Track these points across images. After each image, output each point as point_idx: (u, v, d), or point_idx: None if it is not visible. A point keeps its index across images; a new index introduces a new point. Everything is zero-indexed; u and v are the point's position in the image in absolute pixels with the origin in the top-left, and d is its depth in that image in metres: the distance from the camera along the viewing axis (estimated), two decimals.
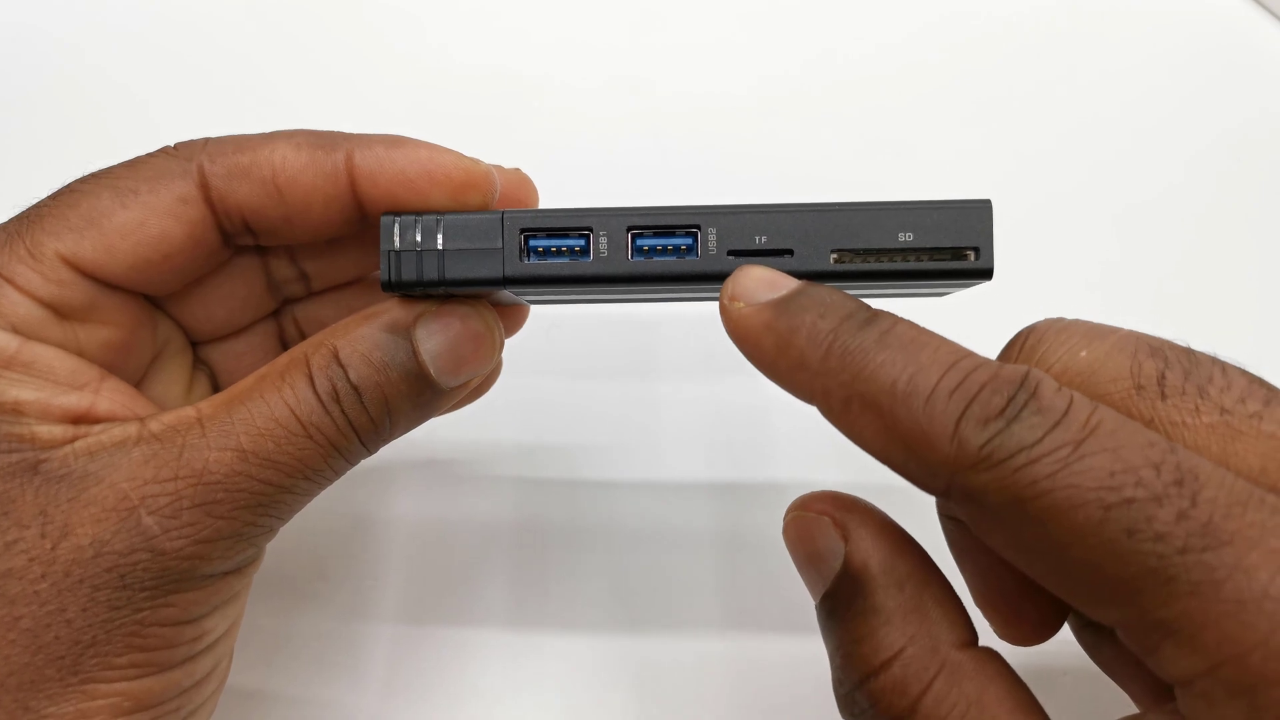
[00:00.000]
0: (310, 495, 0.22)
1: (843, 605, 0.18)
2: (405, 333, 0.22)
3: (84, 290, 0.22)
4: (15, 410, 0.20)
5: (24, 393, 0.20)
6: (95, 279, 0.22)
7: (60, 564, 0.19)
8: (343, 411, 0.21)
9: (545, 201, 0.25)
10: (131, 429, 0.21)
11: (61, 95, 0.41)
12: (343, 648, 0.30)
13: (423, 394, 0.22)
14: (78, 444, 0.20)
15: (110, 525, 0.20)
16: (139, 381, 0.24)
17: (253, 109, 0.40)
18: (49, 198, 0.22)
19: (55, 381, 0.21)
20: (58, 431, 0.20)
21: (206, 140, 0.23)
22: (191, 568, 0.20)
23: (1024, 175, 0.38)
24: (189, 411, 0.21)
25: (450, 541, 0.32)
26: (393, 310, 0.22)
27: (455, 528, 0.32)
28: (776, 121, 0.40)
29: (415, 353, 0.22)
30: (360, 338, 0.21)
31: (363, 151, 0.22)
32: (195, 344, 0.26)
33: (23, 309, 0.21)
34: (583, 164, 0.39)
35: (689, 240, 0.22)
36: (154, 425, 0.21)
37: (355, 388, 0.21)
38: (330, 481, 0.22)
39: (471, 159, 0.23)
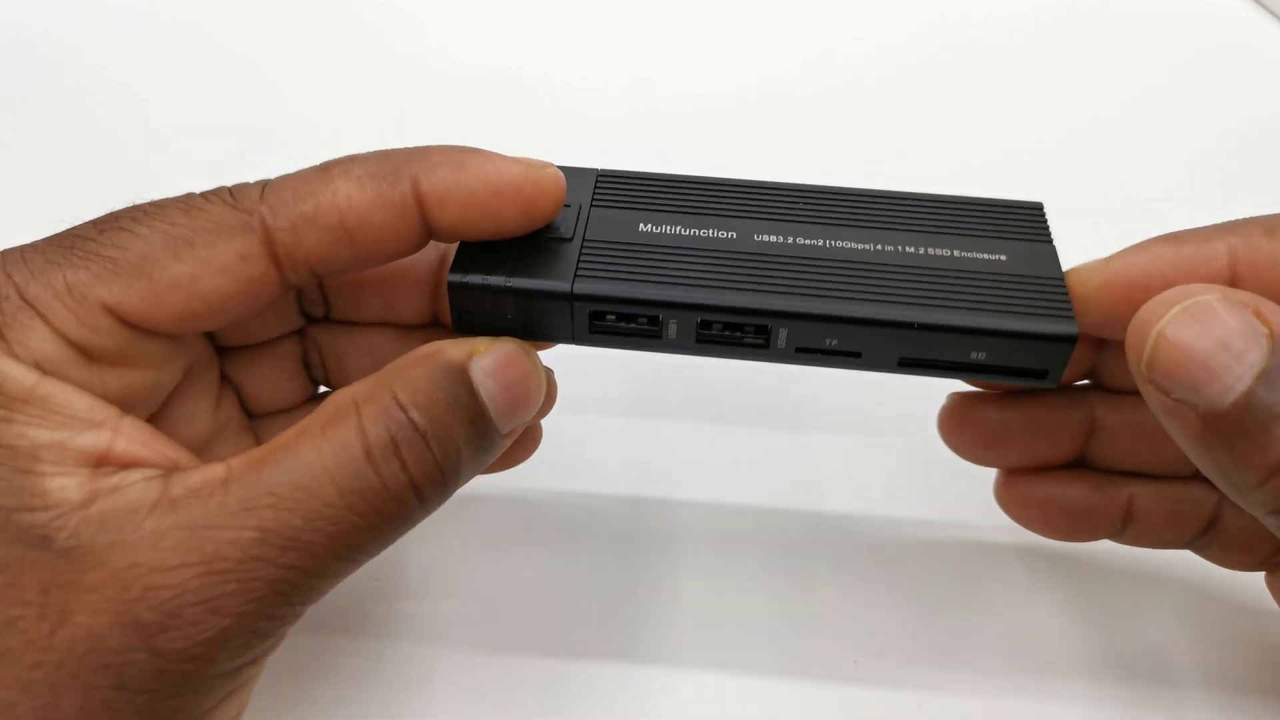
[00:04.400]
0: (347, 574, 0.20)
1: None
2: (463, 370, 0.20)
3: (120, 338, 0.20)
4: (31, 456, 0.19)
5: (41, 434, 0.19)
6: (135, 327, 0.21)
7: (55, 653, 0.18)
8: (401, 465, 0.19)
9: None
10: (151, 492, 0.19)
11: (61, 95, 0.41)
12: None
13: (483, 439, 0.20)
14: (91, 510, 0.18)
15: (107, 618, 0.18)
16: (165, 400, 0.23)
17: (253, 109, 0.40)
18: (94, 228, 0.21)
19: (73, 418, 0.19)
20: (71, 487, 0.19)
21: (264, 186, 0.21)
22: (195, 669, 0.18)
23: (1022, 175, 0.38)
24: (217, 471, 0.19)
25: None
26: (446, 349, 0.20)
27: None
28: (776, 121, 0.40)
29: (475, 393, 0.20)
30: (422, 378, 0.20)
31: (428, 176, 0.21)
32: (222, 352, 0.25)
33: (50, 346, 0.20)
34: (585, 162, 0.39)
35: (759, 338, 0.22)
36: (175, 489, 0.19)
37: (422, 433, 0.19)
38: (375, 554, 0.20)
39: (540, 166, 0.22)
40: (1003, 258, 0.22)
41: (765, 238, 0.23)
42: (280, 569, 0.18)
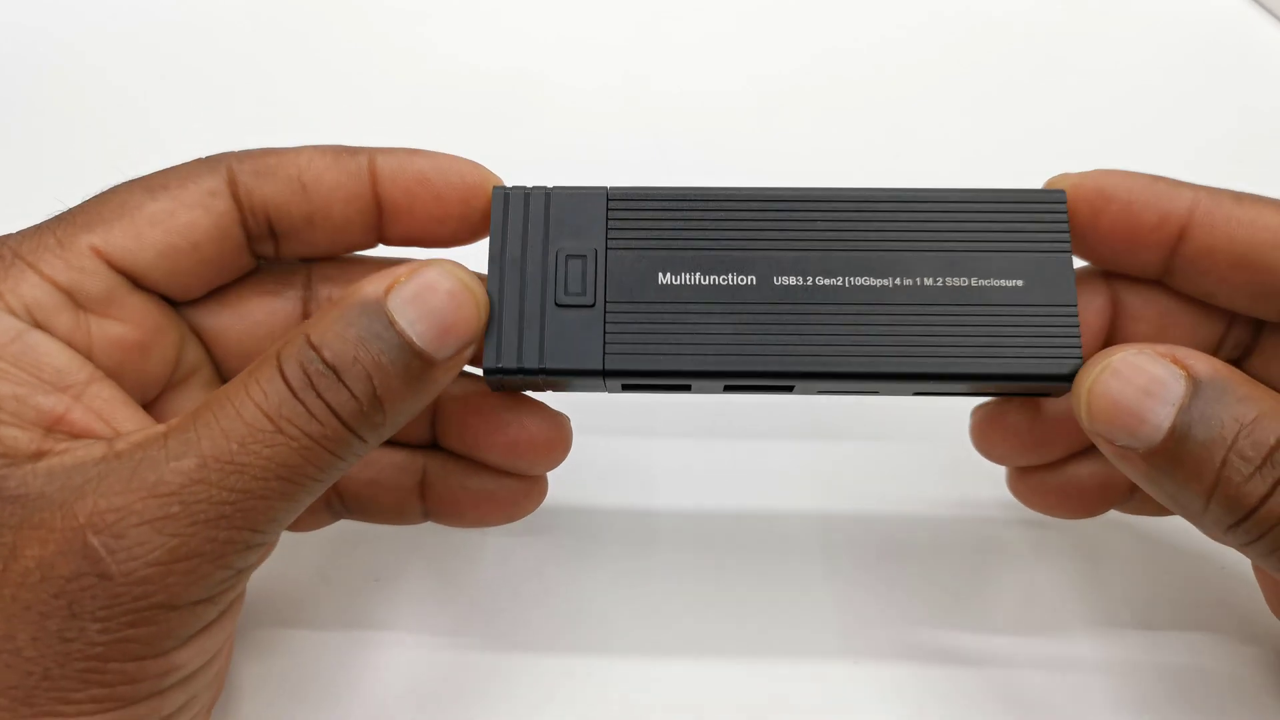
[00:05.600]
0: (294, 501, 0.20)
1: (1214, 404, 0.20)
2: (378, 304, 0.20)
3: (107, 281, 0.22)
4: None
5: (3, 386, 0.20)
6: (122, 271, 0.22)
7: (9, 587, 0.18)
8: (318, 396, 0.20)
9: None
10: (97, 449, 0.20)
11: (61, 96, 0.41)
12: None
13: (410, 366, 0.20)
14: (39, 465, 0.19)
15: (56, 546, 0.18)
16: (155, 399, 0.24)
17: (252, 109, 0.40)
18: (84, 201, 0.23)
19: (39, 377, 0.20)
20: (23, 440, 0.20)
21: (235, 150, 0.23)
22: (145, 596, 0.18)
23: (1021, 176, 0.38)
24: (159, 428, 0.20)
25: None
26: (363, 286, 0.21)
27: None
28: (778, 118, 0.40)
29: (392, 323, 0.20)
30: (335, 318, 0.20)
31: (384, 156, 0.23)
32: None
33: (39, 292, 0.21)
34: (584, 159, 0.39)
35: (783, 387, 0.23)
36: (120, 444, 0.20)
37: (332, 367, 0.20)
38: (324, 481, 0.20)
39: (485, 169, 0.24)
40: (1019, 283, 0.22)
41: (785, 280, 0.23)
42: (222, 490, 0.19)
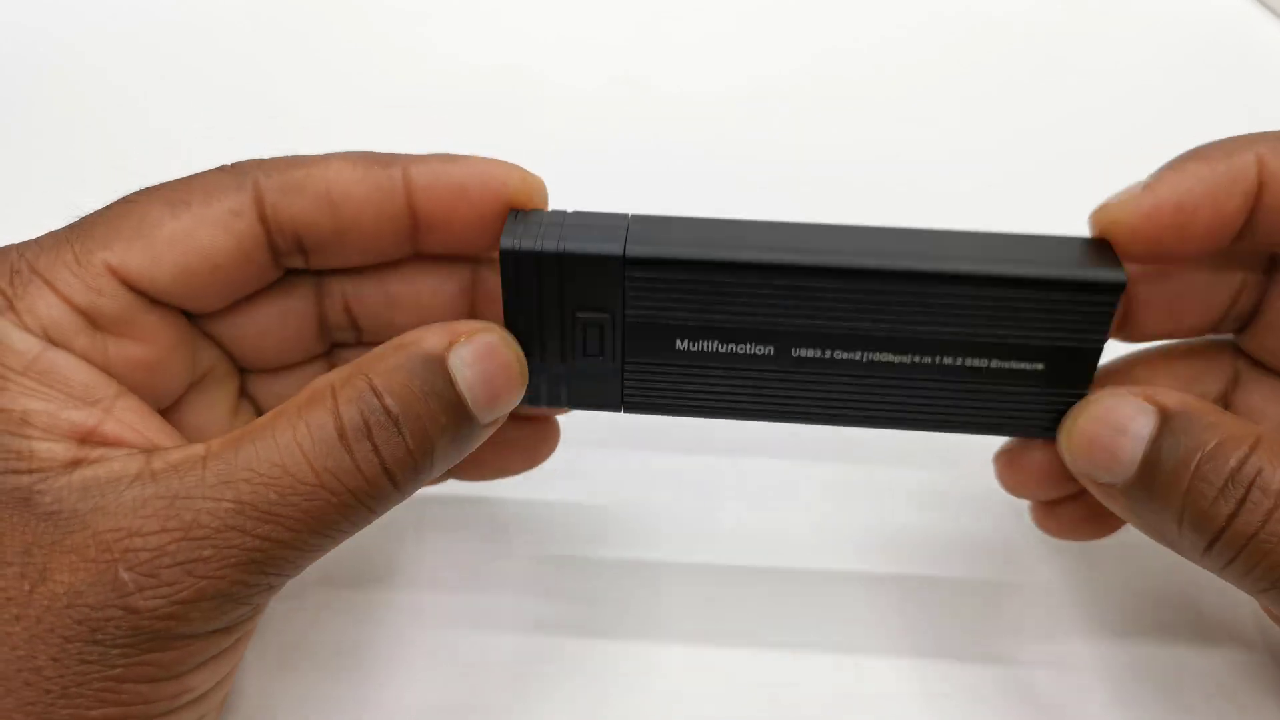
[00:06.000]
0: (322, 550, 0.20)
1: (1181, 434, 0.20)
2: (441, 361, 0.20)
3: (123, 301, 0.21)
4: (22, 420, 0.20)
5: (33, 403, 0.20)
6: (138, 291, 0.21)
7: (35, 609, 0.19)
8: (373, 448, 0.20)
9: (552, 196, 0.24)
10: (133, 465, 0.19)
11: (61, 96, 0.41)
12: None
13: (460, 427, 0.21)
14: (74, 476, 0.19)
15: (86, 575, 0.19)
16: (173, 405, 0.23)
17: (252, 109, 0.40)
18: (101, 209, 0.22)
19: (67, 393, 0.20)
20: (58, 450, 0.19)
21: (261, 160, 0.22)
22: (168, 628, 0.19)
23: (1022, 175, 0.38)
24: (197, 449, 0.20)
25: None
26: (426, 337, 0.21)
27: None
28: (776, 117, 0.40)
29: (453, 382, 0.20)
30: (398, 366, 0.20)
31: (418, 166, 0.22)
32: (244, 372, 0.25)
33: (56, 312, 0.21)
34: (585, 159, 0.38)
35: None
36: (157, 463, 0.20)
37: (395, 419, 0.20)
38: (350, 533, 0.20)
39: (524, 170, 0.23)
40: (1039, 367, 0.22)
41: (803, 352, 0.22)
42: (255, 539, 0.19)
